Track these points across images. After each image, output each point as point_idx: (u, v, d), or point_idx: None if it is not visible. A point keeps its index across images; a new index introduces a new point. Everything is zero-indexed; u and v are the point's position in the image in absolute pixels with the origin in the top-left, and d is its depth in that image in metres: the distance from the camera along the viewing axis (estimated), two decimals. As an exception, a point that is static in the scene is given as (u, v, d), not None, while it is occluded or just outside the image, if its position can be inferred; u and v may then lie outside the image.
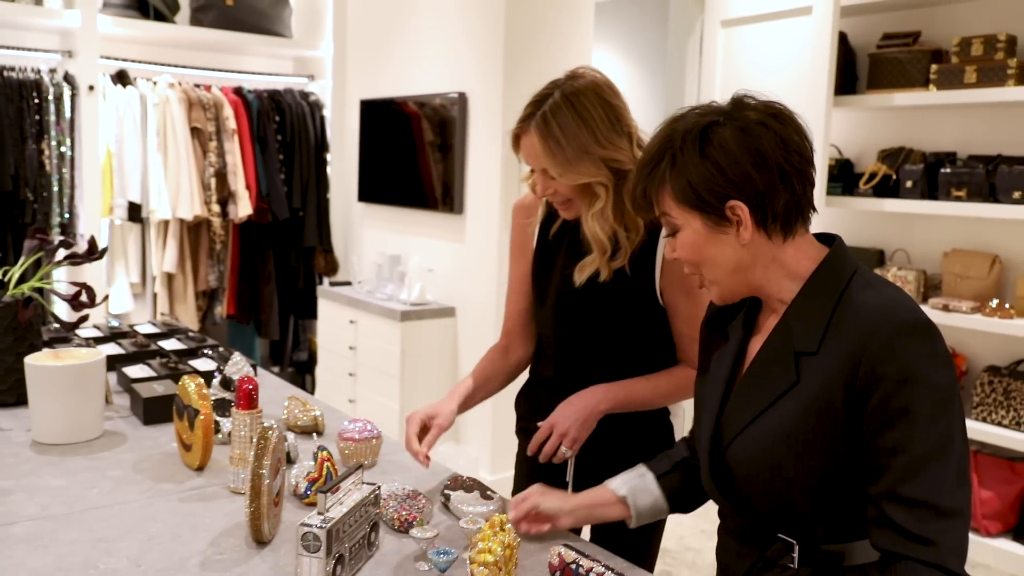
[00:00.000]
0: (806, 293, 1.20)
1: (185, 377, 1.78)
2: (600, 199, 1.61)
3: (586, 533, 1.83)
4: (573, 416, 1.68)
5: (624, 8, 6.55)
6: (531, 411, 1.88)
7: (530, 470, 1.86)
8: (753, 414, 1.22)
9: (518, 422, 1.96)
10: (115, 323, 2.82)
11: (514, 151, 1.67)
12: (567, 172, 1.58)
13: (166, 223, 4.41)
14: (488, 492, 1.62)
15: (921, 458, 1.08)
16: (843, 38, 3.92)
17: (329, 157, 4.95)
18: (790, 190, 1.17)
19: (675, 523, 3.77)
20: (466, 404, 1.84)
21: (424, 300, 4.10)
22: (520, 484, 1.92)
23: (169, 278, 4.48)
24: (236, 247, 4.69)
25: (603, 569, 1.18)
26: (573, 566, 1.21)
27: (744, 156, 1.15)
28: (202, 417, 1.69)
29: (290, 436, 1.80)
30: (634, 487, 1.46)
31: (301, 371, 5.18)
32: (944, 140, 3.80)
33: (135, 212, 4.31)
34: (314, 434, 1.95)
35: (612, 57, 6.56)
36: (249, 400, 1.61)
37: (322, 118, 4.90)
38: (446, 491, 1.61)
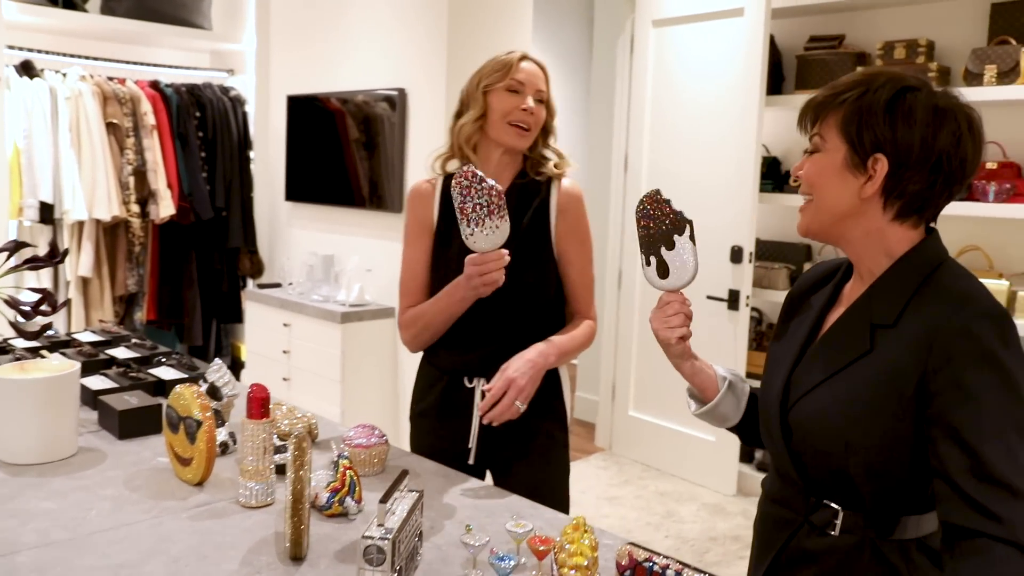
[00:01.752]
0: (895, 270, 1.25)
1: (179, 387, 1.67)
2: (553, 136, 2.01)
3: (489, 481, 1.92)
4: (524, 369, 1.78)
5: (545, 5, 6.57)
6: (441, 398, 1.97)
7: (432, 454, 1.93)
8: (822, 376, 1.27)
9: (415, 405, 2.05)
10: (53, 332, 2.63)
11: (503, 76, 1.89)
12: (551, 101, 1.97)
13: (81, 224, 4.15)
14: None
15: (993, 437, 1.12)
16: (771, 40, 4.05)
17: (253, 155, 4.77)
18: (929, 183, 1.21)
19: (620, 518, 3.82)
20: None
21: (363, 301, 4.00)
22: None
23: (84, 283, 4.22)
24: (156, 249, 4.47)
25: (680, 566, 1.18)
26: (647, 564, 1.20)
27: (919, 128, 1.19)
28: (205, 429, 1.59)
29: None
30: (732, 383, 1.49)
31: (224, 377, 4.97)
32: (867, 139, 3.98)
33: (47, 213, 4.04)
34: (334, 445, 1.88)
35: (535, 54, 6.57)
36: (262, 409, 1.53)
37: (244, 114, 4.72)
38: None
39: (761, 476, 4.16)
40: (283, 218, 4.78)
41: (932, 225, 1.30)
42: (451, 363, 1.96)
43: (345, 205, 4.29)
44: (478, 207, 1.66)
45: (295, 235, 4.71)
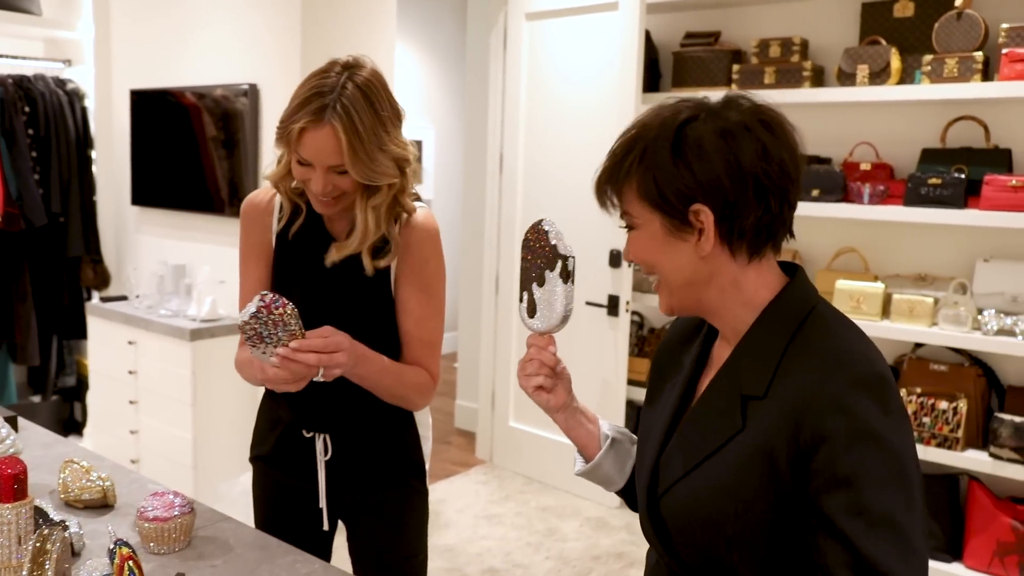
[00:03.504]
0: (759, 327, 1.09)
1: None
2: (382, 194, 1.54)
3: (340, 561, 1.69)
4: (354, 356, 1.49)
5: (417, -3, 6.31)
6: (277, 446, 1.74)
7: (276, 503, 1.73)
8: (693, 462, 1.10)
9: (254, 448, 1.81)
10: None
11: (286, 145, 1.50)
12: (366, 169, 1.47)
13: None
14: None
15: (876, 526, 0.95)
16: (647, 35, 3.91)
17: (94, 155, 4.34)
18: (764, 207, 1.05)
19: (500, 538, 3.62)
20: None
21: (216, 316, 3.66)
22: (265, 518, 1.79)
23: None
24: (-20, 260, 4.00)
25: None
26: None
27: (718, 160, 1.03)
28: (-52, 513, 1.29)
29: (72, 522, 1.43)
30: (616, 440, 1.30)
31: (68, 398, 4.53)
32: (744, 138, 3.89)
33: None
34: (109, 528, 1.58)
35: (406, 47, 6.30)
36: (14, 490, 1.24)
37: (84, 110, 4.27)
38: None
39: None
40: (130, 224, 4.37)
41: (795, 261, 1.16)
42: (289, 413, 1.71)
43: (199, 210, 3.93)
44: (272, 337, 1.39)
45: (144, 243, 4.31)
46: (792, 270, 1.15)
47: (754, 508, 1.03)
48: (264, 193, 1.70)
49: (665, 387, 1.23)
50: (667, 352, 1.28)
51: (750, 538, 1.04)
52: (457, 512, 3.88)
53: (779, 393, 1.03)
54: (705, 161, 1.03)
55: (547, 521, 3.81)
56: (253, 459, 1.82)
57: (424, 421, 1.78)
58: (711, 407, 1.11)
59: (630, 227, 1.12)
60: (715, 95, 1.13)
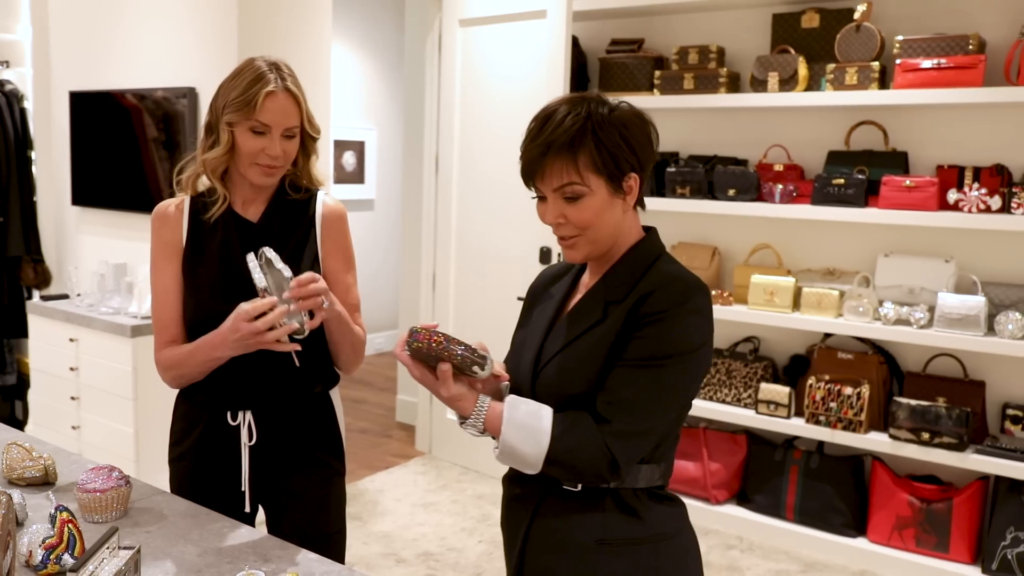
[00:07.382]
0: (627, 258, 1.43)
1: None
2: (317, 154, 1.88)
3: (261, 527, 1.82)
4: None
5: (358, 1, 6.43)
6: (201, 439, 1.84)
7: (198, 496, 1.80)
8: (564, 343, 1.43)
9: (172, 449, 1.90)
10: None
11: (243, 117, 1.70)
12: (312, 122, 1.81)
13: None
14: None
15: (641, 374, 1.33)
16: (575, 42, 4.10)
17: (34, 155, 4.39)
18: (650, 173, 1.43)
19: (435, 525, 3.77)
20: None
21: (157, 312, 3.75)
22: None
23: None
24: (-81, 260, 4.03)
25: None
26: None
27: (643, 138, 1.38)
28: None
29: (15, 494, 1.55)
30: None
31: (9, 397, 4.57)
32: (667, 141, 4.09)
33: None
34: (50, 496, 1.70)
35: (347, 50, 6.42)
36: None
37: (23, 111, 4.32)
38: None
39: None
40: (71, 224, 4.42)
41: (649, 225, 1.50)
42: (212, 398, 1.82)
43: (140, 210, 4.00)
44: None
45: (84, 242, 4.36)
46: (647, 229, 1.49)
47: (602, 374, 1.36)
48: (173, 200, 1.88)
49: (535, 312, 1.55)
50: (539, 289, 1.60)
51: (598, 389, 1.37)
52: (395, 501, 4.02)
53: (631, 296, 1.38)
54: (637, 139, 1.37)
55: (481, 508, 3.97)
56: (174, 459, 1.91)
57: (338, 403, 1.93)
58: (582, 309, 1.44)
59: (575, 196, 1.36)
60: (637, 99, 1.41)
